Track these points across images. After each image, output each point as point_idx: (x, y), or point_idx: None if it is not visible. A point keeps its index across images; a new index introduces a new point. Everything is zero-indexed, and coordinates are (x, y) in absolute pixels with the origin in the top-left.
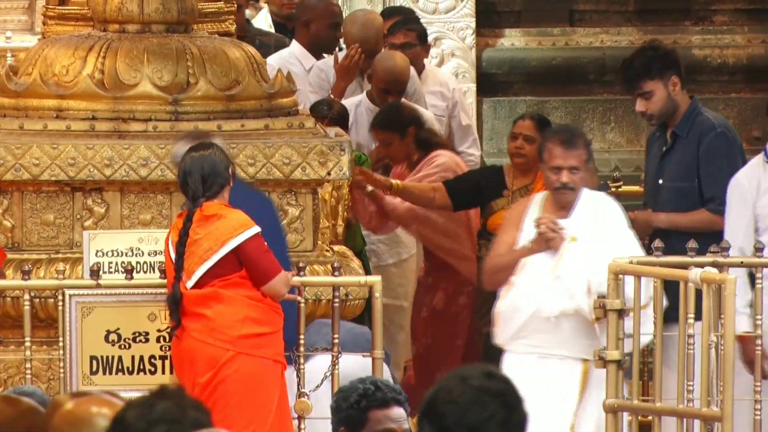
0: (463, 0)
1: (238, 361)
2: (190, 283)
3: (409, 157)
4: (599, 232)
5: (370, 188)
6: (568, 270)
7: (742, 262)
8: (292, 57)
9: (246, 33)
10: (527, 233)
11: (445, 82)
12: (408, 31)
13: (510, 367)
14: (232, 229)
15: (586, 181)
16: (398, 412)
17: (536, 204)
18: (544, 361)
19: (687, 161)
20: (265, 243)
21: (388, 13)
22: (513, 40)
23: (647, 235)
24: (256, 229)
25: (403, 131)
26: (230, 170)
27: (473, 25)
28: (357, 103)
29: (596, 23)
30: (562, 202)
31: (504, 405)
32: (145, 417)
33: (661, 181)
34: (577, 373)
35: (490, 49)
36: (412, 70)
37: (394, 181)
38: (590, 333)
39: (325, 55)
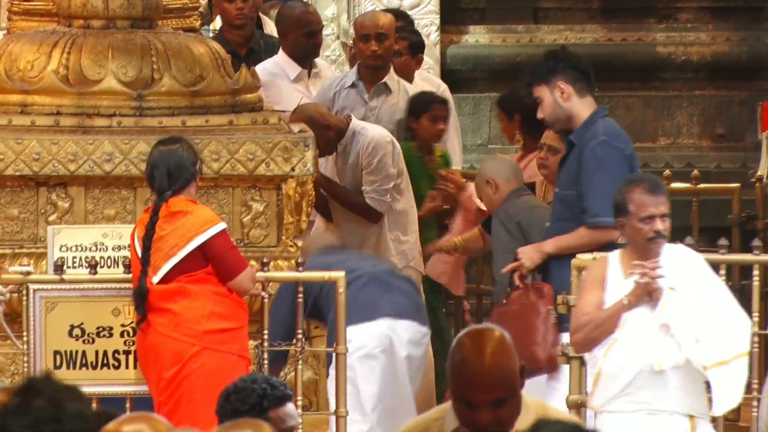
0: None
1: (203, 357)
2: (156, 279)
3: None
4: (691, 281)
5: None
6: (674, 319)
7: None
8: (277, 67)
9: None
10: (613, 292)
11: (437, 88)
12: (400, 39)
13: (615, 426)
14: (198, 226)
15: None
16: (291, 408)
17: (615, 262)
18: (652, 418)
19: (572, 170)
20: (231, 239)
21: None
22: (477, 37)
23: (537, 265)
24: (222, 225)
25: (511, 114)
26: (197, 166)
27: (437, 21)
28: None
29: (560, 20)
30: (655, 253)
31: None
32: (22, 422)
33: (557, 190)
34: (686, 429)
35: (454, 45)
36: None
37: (456, 239)
38: (697, 387)
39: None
